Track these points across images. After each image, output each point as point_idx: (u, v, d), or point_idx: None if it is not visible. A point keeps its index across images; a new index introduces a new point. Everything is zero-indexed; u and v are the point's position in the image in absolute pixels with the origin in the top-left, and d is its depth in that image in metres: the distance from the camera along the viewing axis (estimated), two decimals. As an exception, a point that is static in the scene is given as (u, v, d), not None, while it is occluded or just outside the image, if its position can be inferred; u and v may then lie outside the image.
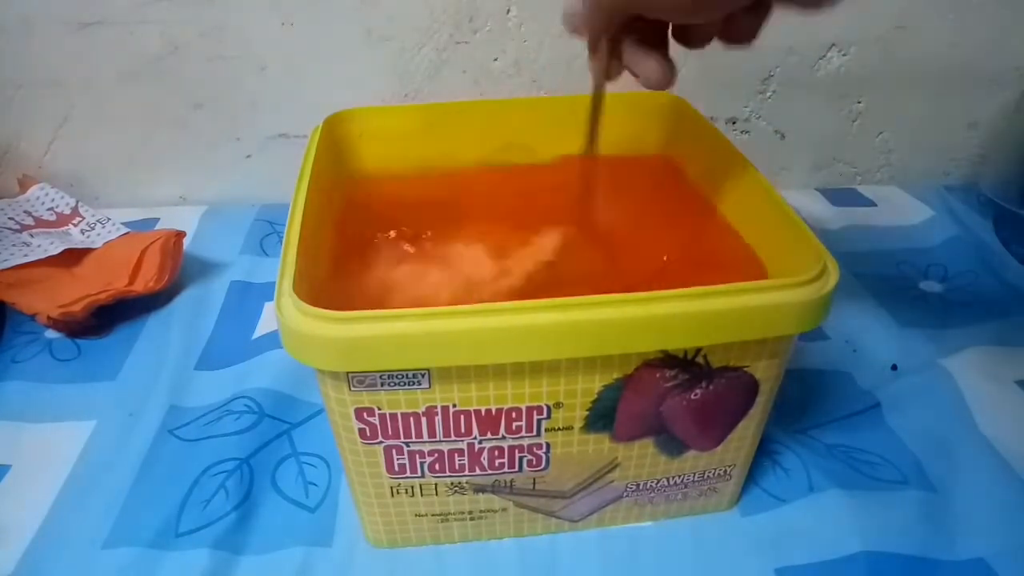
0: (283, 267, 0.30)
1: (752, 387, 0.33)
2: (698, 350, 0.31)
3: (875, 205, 0.65)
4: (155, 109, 0.62)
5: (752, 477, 0.38)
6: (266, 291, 0.53)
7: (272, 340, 0.48)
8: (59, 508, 0.38)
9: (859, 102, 0.65)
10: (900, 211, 0.64)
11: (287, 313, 0.28)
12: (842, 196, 0.66)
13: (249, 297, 0.53)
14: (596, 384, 0.31)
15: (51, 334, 0.49)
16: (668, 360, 0.31)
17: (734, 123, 0.66)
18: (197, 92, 0.61)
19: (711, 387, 0.32)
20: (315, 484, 0.39)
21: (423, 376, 0.29)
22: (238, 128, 0.63)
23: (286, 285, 0.29)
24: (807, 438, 0.41)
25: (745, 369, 0.32)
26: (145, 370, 0.46)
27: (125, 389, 0.45)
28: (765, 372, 0.32)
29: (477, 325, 0.28)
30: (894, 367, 0.46)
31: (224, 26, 0.58)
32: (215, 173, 0.65)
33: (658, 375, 0.31)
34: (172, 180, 0.65)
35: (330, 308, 0.28)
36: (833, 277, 0.30)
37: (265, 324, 0.50)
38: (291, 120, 0.63)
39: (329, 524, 0.37)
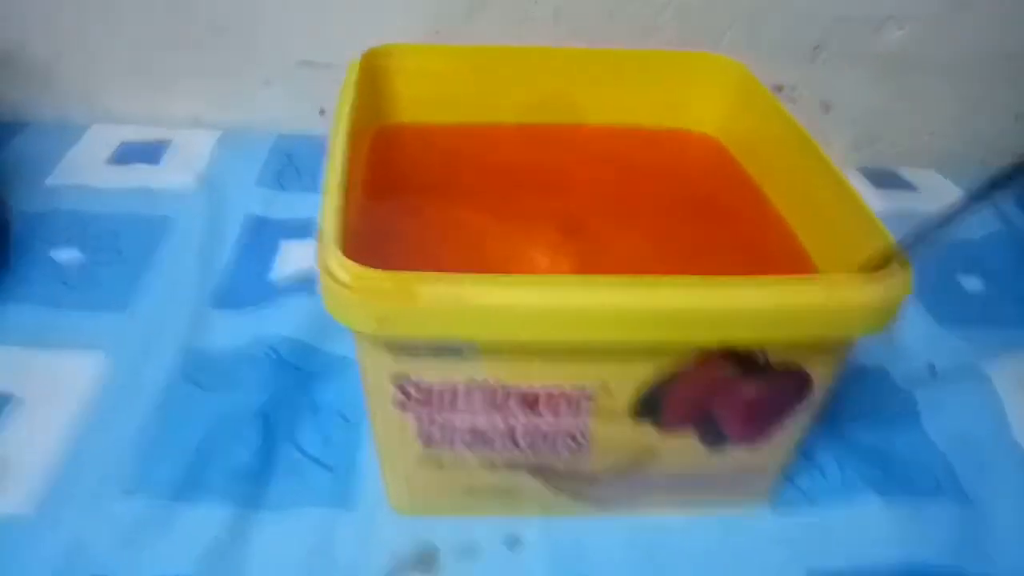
0: (324, 218, 0.28)
1: (807, 386, 0.31)
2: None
3: (916, 190, 0.63)
4: (173, 27, 0.58)
5: (786, 473, 0.37)
6: (282, 228, 0.51)
7: (291, 283, 0.46)
8: (71, 449, 0.36)
9: (909, 80, 0.63)
10: (941, 199, 0.61)
11: (332, 271, 0.26)
12: (883, 177, 0.64)
13: (265, 233, 0.50)
14: (647, 371, 0.29)
15: (59, 256, 0.47)
16: (725, 352, 0.29)
17: (780, 90, 0.63)
18: (218, 12, 0.58)
19: (765, 383, 0.30)
20: (334, 440, 0.38)
21: (468, 348, 0.28)
22: (259, 53, 0.60)
23: (329, 241, 0.27)
24: (841, 436, 0.40)
25: (802, 367, 0.30)
26: (158, 303, 0.44)
27: (137, 322, 0.43)
28: (822, 372, 0.31)
29: (535, 298, 0.26)
30: (932, 367, 0.45)
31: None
32: (232, 97, 0.62)
33: (713, 367, 0.29)
34: (187, 100, 0.62)
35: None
36: (908, 278, 0.28)
37: (283, 264, 0.48)
38: (315, 48, 0.60)
39: (350, 485, 0.36)
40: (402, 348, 0.28)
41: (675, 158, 0.44)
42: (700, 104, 0.45)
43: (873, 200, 0.61)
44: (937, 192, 0.63)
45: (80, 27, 0.58)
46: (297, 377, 0.40)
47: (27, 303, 0.43)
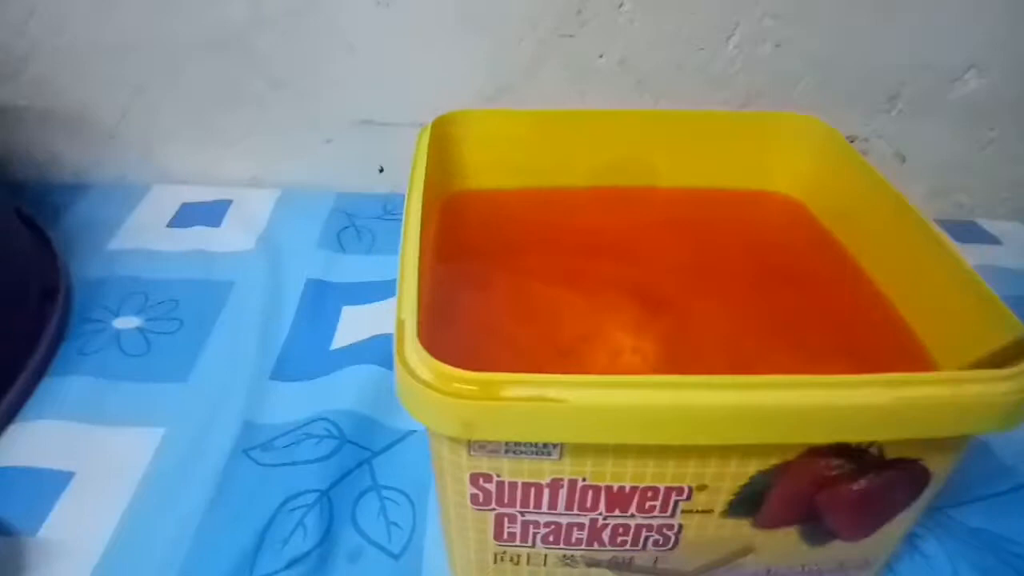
0: (402, 307, 0.26)
1: (923, 479, 0.28)
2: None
3: (1000, 243, 0.60)
4: (234, 84, 0.58)
5: (888, 563, 0.34)
6: (343, 293, 0.50)
7: (352, 353, 0.44)
8: (128, 530, 0.35)
9: (992, 130, 0.60)
10: (1027, 252, 0.58)
11: (413, 368, 0.24)
12: (963, 230, 0.61)
13: (326, 299, 0.49)
14: (750, 469, 0.26)
15: (119, 324, 0.46)
16: (837, 449, 0.26)
17: (852, 141, 0.60)
18: (279, 69, 0.57)
19: (878, 478, 0.28)
20: (398, 525, 0.36)
21: (554, 448, 0.26)
22: (320, 110, 0.59)
23: (411, 334, 0.25)
24: (947, 519, 0.37)
25: (920, 461, 0.28)
26: (218, 375, 0.43)
27: (196, 395, 0.42)
28: (940, 465, 0.28)
29: (631, 400, 0.24)
30: (1036, 438, 0.42)
31: (314, 1, 0.54)
32: (292, 156, 0.61)
33: (822, 463, 0.27)
34: (246, 159, 0.62)
35: (432, 352, 0.24)
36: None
37: (344, 333, 0.46)
38: (376, 106, 0.59)
39: (416, 574, 0.34)
40: (482, 446, 0.26)
41: (757, 221, 0.42)
42: (781, 164, 0.42)
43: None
44: (1022, 245, 0.60)
45: (141, 87, 0.58)
46: (359, 455, 0.39)
47: (86, 375, 0.42)
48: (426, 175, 0.35)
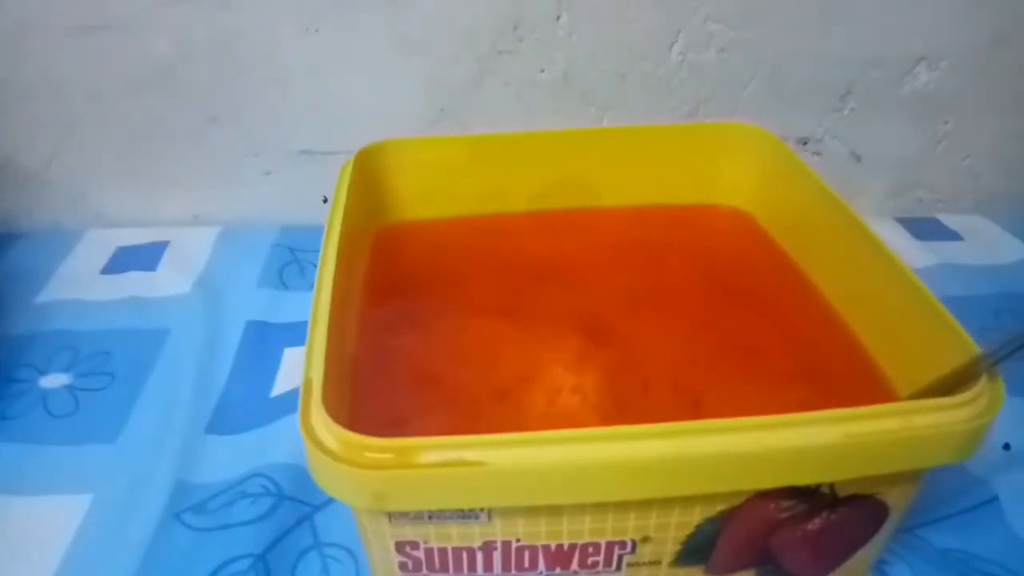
0: (310, 366, 0.24)
1: (881, 514, 0.27)
2: (824, 479, 0.25)
3: (961, 239, 0.58)
4: (166, 121, 0.56)
5: (858, 594, 0.33)
6: (286, 334, 0.47)
7: (293, 399, 0.42)
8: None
9: (946, 122, 0.59)
10: (991, 247, 0.57)
11: (318, 437, 0.22)
12: (924, 227, 0.59)
13: (267, 342, 0.47)
14: (695, 518, 0.25)
15: (46, 383, 0.44)
16: (787, 490, 0.25)
17: (805, 143, 0.59)
18: (212, 103, 0.55)
19: (833, 516, 0.26)
20: (342, 585, 0.34)
21: (481, 511, 0.24)
22: (257, 143, 0.57)
23: (315, 395, 0.23)
24: (915, 539, 0.35)
25: (876, 496, 0.26)
26: (149, 432, 0.40)
27: (127, 456, 0.39)
28: (898, 497, 0.26)
29: (557, 458, 0.22)
30: (1006, 446, 0.40)
31: (241, 32, 0.52)
32: (231, 191, 0.59)
33: (772, 506, 0.25)
34: (184, 198, 0.59)
35: (357, 408, 0.22)
36: (1000, 396, 0.24)
37: (285, 378, 0.44)
38: (315, 135, 0.57)
39: (359, 640, 0.32)
40: (404, 514, 0.24)
41: (705, 238, 0.41)
42: (727, 177, 0.41)
43: (915, 254, 0.56)
44: (984, 239, 0.59)
45: (69, 130, 0.56)
46: (298, 511, 0.36)
47: (9, 442, 0.40)
48: (350, 211, 0.34)
